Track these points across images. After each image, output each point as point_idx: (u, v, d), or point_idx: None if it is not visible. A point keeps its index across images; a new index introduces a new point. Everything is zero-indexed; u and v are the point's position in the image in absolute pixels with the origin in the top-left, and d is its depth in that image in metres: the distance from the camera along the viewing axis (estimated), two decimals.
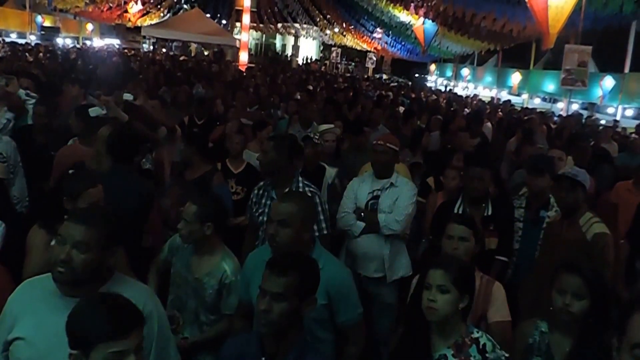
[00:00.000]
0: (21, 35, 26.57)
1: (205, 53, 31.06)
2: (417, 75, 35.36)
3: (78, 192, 2.67)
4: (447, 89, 25.05)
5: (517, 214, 3.80)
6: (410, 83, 29.08)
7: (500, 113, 13.03)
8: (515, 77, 21.10)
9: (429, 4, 19.80)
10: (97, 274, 1.94)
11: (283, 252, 2.21)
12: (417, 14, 21.43)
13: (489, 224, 3.53)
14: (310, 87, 13.13)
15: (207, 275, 2.77)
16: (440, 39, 23.29)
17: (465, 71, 27.20)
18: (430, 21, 21.11)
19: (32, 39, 25.70)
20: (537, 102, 20.07)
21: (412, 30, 23.07)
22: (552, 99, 19.84)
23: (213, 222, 2.76)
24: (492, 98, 20.79)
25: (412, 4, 21.11)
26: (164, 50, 28.64)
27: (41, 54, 15.47)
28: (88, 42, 30.45)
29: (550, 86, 18.83)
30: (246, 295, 2.53)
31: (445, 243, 2.65)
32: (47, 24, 27.57)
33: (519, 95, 21.48)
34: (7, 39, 23.86)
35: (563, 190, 3.29)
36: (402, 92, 16.89)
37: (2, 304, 2.01)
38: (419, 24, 21.65)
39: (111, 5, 27.45)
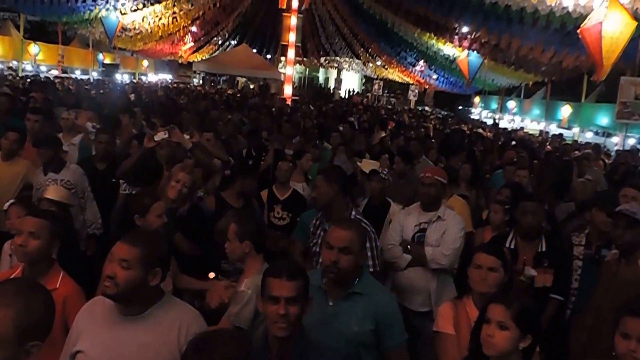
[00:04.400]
0: (84, 71, 28.33)
1: (251, 86, 31.96)
2: (460, 107, 35.10)
3: (146, 208, 2.89)
4: (494, 122, 24.70)
5: (577, 251, 3.69)
6: (452, 115, 28.92)
7: (549, 146, 12.77)
8: (565, 110, 20.61)
9: (474, 36, 19.77)
10: (142, 293, 2.05)
11: (285, 261, 2.36)
12: (461, 46, 21.43)
13: (543, 260, 3.44)
14: (352, 119, 13.27)
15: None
16: (485, 71, 23.15)
17: (512, 104, 26.78)
18: (475, 53, 21.05)
19: (94, 75, 27.34)
20: (589, 136, 19.48)
21: (456, 63, 23.04)
22: (606, 132, 19.24)
23: (251, 241, 2.86)
24: (541, 132, 20.37)
25: (456, 37, 21.14)
26: (212, 84, 29.71)
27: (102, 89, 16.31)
28: (143, 77, 32.09)
29: (603, 120, 18.27)
30: None
31: (473, 272, 2.61)
32: (107, 61, 29.43)
33: (569, 128, 20.95)
34: (72, 75, 25.40)
35: (620, 228, 3.18)
36: (447, 125, 16.80)
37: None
38: (464, 56, 21.61)
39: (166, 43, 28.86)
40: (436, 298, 3.59)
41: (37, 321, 1.48)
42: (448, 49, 23.46)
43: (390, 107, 29.74)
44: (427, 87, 34.02)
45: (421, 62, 29.10)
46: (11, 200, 3.82)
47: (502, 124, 23.10)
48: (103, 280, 2.03)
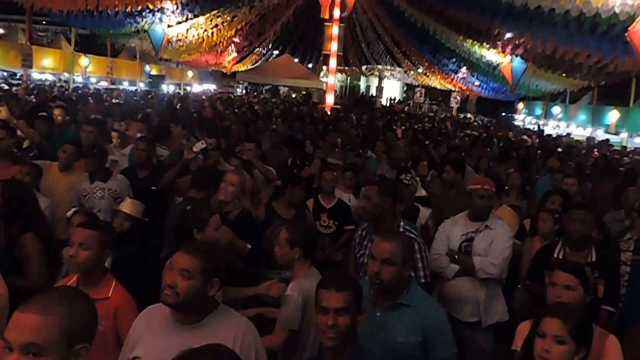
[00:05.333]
0: (132, 82, 29.40)
1: (293, 95, 32.35)
2: (503, 114, 34.45)
3: (204, 222, 3.01)
4: (538, 128, 24.14)
5: (624, 257, 3.63)
6: (495, 121, 28.41)
7: (596, 153, 12.40)
8: (613, 115, 19.97)
9: (517, 41, 19.42)
10: (200, 303, 2.12)
11: (335, 272, 2.40)
12: (504, 52, 21.10)
13: (594, 270, 3.38)
14: (395, 127, 13.25)
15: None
16: (529, 77, 22.68)
17: (557, 109, 26.10)
18: (519, 59, 20.67)
19: (141, 86, 28.32)
20: (638, 142, 18.84)
21: (499, 69, 22.68)
22: None
23: (301, 247, 2.97)
24: (588, 137, 19.79)
25: (498, 43, 20.83)
26: (254, 93, 30.26)
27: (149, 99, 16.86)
28: (188, 88, 33.01)
29: None
30: None
31: (548, 290, 2.57)
32: (154, 72, 30.44)
33: (616, 134, 20.29)
34: (120, 86, 26.37)
35: None
36: (490, 132, 16.53)
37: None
38: (507, 62, 21.23)
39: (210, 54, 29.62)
40: (485, 308, 3.56)
41: (81, 325, 1.55)
42: (491, 55, 23.13)
43: (431, 114, 29.48)
44: (469, 93, 33.58)
45: (463, 69, 28.78)
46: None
47: (547, 130, 22.54)
48: (163, 288, 2.09)
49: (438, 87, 36.61)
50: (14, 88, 16.20)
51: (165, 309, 2.13)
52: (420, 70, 34.73)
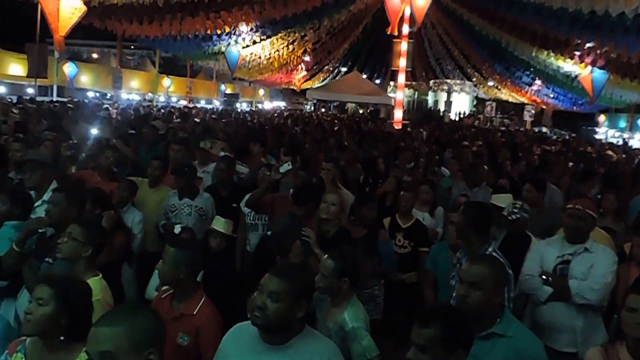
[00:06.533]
0: (208, 101, 30.96)
1: (360, 111, 32.53)
2: (583, 127, 32.84)
3: (286, 250, 3.10)
4: (624, 142, 22.79)
5: None
6: (574, 136, 27.09)
7: None
8: None
9: (599, 51, 18.56)
10: (288, 324, 2.15)
11: (431, 305, 2.24)
12: (583, 62, 20.23)
13: None
14: (466, 143, 12.95)
15: (334, 323, 2.91)
16: (611, 88, 21.58)
17: None
18: (599, 69, 19.75)
19: (216, 104, 29.67)
20: None
21: (578, 80, 21.75)
22: None
23: (350, 277, 2.92)
24: None
25: (576, 53, 20.01)
26: (322, 109, 30.77)
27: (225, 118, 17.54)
28: (259, 105, 34.18)
29: None
30: None
31: (625, 316, 2.40)
32: (228, 91, 31.85)
33: None
34: (198, 105, 27.74)
35: None
36: (570, 147, 15.80)
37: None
38: (586, 73, 20.36)
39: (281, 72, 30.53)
40: (583, 338, 3.31)
41: (146, 333, 1.72)
42: (568, 66, 22.25)
43: (503, 128, 28.59)
44: (544, 106, 32.37)
45: (538, 81, 27.82)
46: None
47: (634, 144, 21.24)
48: (251, 310, 2.17)
49: (510, 100, 35.56)
50: (105, 106, 17.47)
51: (254, 328, 2.18)
52: (490, 84, 33.91)
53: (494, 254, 3.16)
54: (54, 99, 17.92)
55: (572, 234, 3.49)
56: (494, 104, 35.89)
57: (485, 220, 3.27)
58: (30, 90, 20.87)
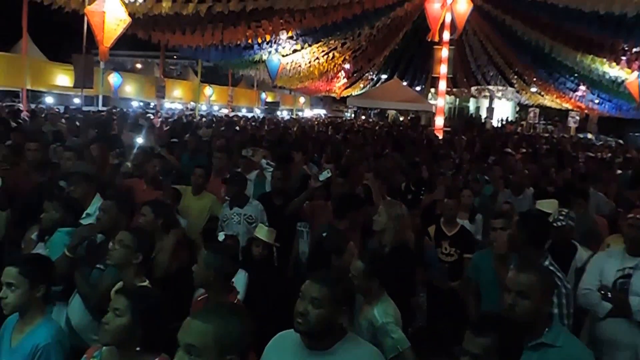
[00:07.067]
0: (249, 109, 31.50)
1: (401, 119, 32.39)
2: (630, 133, 31.68)
3: (342, 249, 3.16)
4: None
5: None
6: (621, 142, 26.17)
7: None
8: None
9: None
10: (330, 330, 2.18)
11: (484, 313, 2.27)
12: (629, 67, 19.61)
13: None
14: (510, 150, 12.72)
15: (365, 319, 3.02)
16: None
17: None
18: None
19: (257, 112, 30.15)
20: None
21: (624, 86, 21.07)
22: None
23: (380, 277, 3.03)
24: None
25: (623, 58, 19.42)
26: (363, 117, 30.80)
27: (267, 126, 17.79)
28: (300, 113, 34.52)
29: None
30: None
31: None
32: (269, 99, 32.28)
33: None
34: (239, 113, 28.31)
35: None
36: (618, 153, 15.30)
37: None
38: (633, 78, 19.72)
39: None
40: None
41: (233, 337, 1.68)
42: (614, 71, 21.60)
43: (547, 134, 27.91)
44: (589, 112, 31.42)
45: (582, 87, 27.06)
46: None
47: None
48: (295, 316, 2.18)
49: (553, 106, 34.68)
50: (149, 115, 17.97)
51: (297, 335, 2.20)
52: (533, 90, 33.17)
53: (551, 267, 3.07)
54: (100, 109, 18.53)
55: (633, 245, 3.38)
56: (537, 111, 35.04)
57: (544, 234, 3.22)
58: (76, 100, 21.46)
